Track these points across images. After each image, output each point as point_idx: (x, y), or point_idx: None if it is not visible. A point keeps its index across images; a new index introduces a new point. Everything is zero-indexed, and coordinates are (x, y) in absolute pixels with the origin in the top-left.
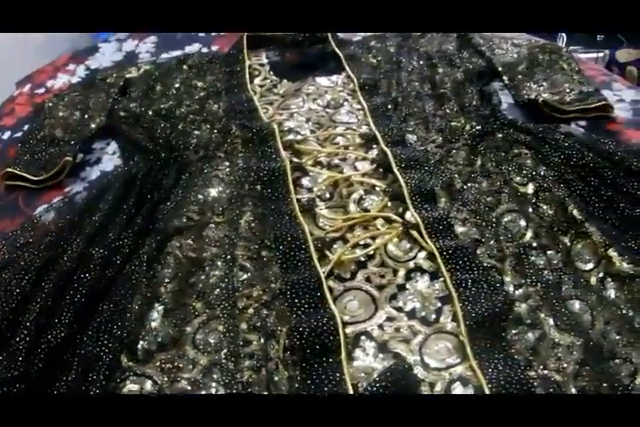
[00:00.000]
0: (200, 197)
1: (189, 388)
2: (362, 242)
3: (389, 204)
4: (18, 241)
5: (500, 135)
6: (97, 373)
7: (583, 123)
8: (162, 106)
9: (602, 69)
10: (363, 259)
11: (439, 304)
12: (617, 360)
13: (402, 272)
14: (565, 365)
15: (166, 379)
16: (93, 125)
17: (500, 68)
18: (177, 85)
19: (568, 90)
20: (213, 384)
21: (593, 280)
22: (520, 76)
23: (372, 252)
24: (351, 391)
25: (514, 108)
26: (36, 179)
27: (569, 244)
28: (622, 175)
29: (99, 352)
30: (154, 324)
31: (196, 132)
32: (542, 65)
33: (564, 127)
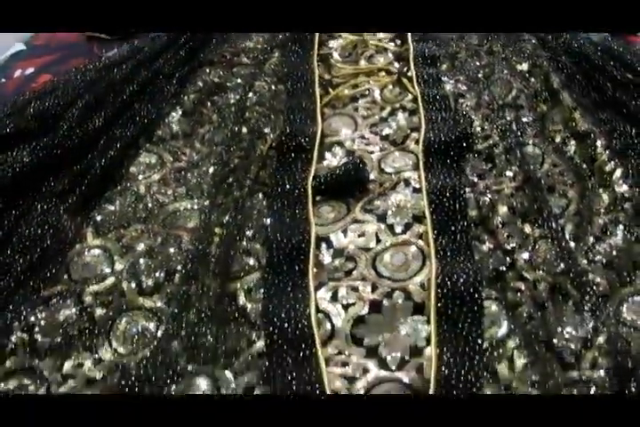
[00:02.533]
0: (239, 42)
1: (186, 166)
2: (361, 86)
3: (395, 63)
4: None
5: None
6: (117, 150)
7: None
8: None
9: None
10: (357, 95)
11: (408, 131)
12: (555, 194)
13: (387, 110)
14: (504, 186)
15: (171, 159)
16: None
17: None
18: None
19: None
20: (211, 170)
21: (557, 139)
22: None
23: (366, 92)
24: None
25: None
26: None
27: (545, 110)
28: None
29: (122, 133)
30: (172, 120)
31: None
32: None
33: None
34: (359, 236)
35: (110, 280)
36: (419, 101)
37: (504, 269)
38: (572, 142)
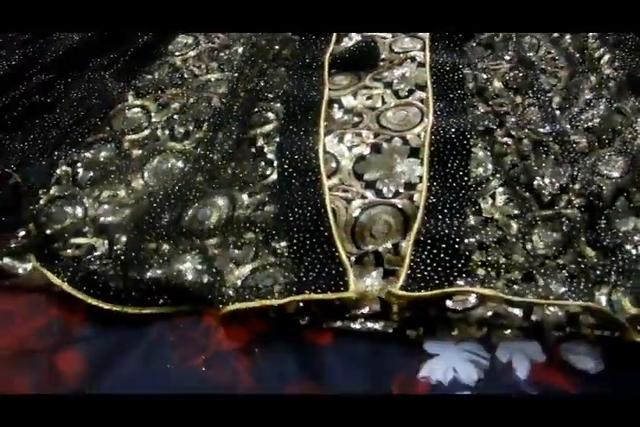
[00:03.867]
0: None
1: (218, 47)
2: None
3: None
4: None
5: None
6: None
7: None
8: None
9: None
10: None
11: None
12: (547, 74)
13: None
14: (501, 66)
15: (206, 40)
16: None
17: None
18: None
19: None
20: (240, 49)
21: (555, 33)
22: None
23: None
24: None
25: None
26: None
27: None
28: None
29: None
30: None
31: None
32: None
33: None
34: (367, 98)
35: (147, 131)
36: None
37: (494, 126)
38: (568, 36)
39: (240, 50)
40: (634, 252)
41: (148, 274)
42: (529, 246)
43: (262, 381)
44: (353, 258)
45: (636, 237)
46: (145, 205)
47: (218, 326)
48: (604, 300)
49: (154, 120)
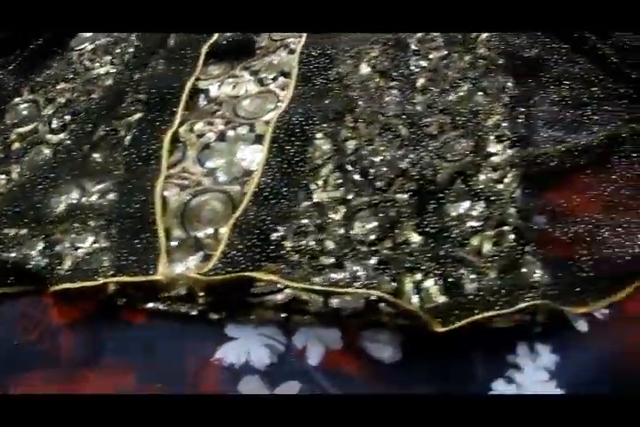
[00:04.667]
0: None
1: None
2: None
3: None
4: None
5: None
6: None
7: None
8: None
9: None
10: None
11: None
12: (419, 56)
13: None
14: (373, 49)
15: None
16: None
17: None
18: None
19: None
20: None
21: None
22: None
23: None
24: None
25: None
26: None
27: None
28: None
29: None
30: None
31: None
32: None
33: None
34: (233, 87)
35: (33, 124)
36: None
37: (345, 112)
38: None
39: (135, 42)
40: (458, 239)
41: (2, 256)
42: (350, 232)
43: (77, 353)
44: (176, 243)
45: (468, 223)
46: (10, 194)
47: (53, 305)
48: (410, 287)
49: (42, 114)
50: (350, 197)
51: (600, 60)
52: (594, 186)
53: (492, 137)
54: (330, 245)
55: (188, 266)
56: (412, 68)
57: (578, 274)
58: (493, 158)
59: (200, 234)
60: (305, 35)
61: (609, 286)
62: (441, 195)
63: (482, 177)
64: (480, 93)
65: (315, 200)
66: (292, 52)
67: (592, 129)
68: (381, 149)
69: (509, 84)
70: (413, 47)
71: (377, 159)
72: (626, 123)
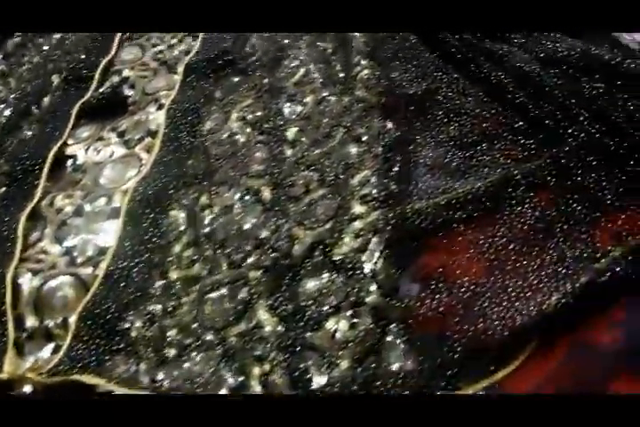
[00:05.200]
0: None
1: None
2: None
3: None
4: None
5: None
6: None
7: None
8: None
9: None
10: None
11: (184, 54)
12: (295, 102)
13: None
14: (246, 98)
15: None
16: None
17: None
18: None
19: None
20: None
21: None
22: None
23: None
24: None
25: None
26: None
27: None
28: None
29: None
30: None
31: None
32: None
33: None
34: (98, 152)
35: None
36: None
37: (205, 175)
38: (338, 54)
39: (12, 100)
40: (311, 322)
41: None
42: (200, 317)
43: None
44: (27, 333)
45: (324, 302)
46: None
47: None
48: (256, 381)
49: None
50: (203, 274)
51: (495, 89)
52: (477, 243)
53: (357, 197)
54: (175, 333)
55: (39, 359)
56: (286, 114)
57: (449, 355)
58: (356, 223)
59: (51, 323)
60: (177, 87)
61: (485, 367)
62: (297, 269)
63: (343, 247)
64: (353, 143)
65: (168, 280)
66: (160, 107)
67: (481, 173)
68: (238, 218)
69: (389, 127)
70: (290, 91)
71: (233, 230)
72: (520, 163)
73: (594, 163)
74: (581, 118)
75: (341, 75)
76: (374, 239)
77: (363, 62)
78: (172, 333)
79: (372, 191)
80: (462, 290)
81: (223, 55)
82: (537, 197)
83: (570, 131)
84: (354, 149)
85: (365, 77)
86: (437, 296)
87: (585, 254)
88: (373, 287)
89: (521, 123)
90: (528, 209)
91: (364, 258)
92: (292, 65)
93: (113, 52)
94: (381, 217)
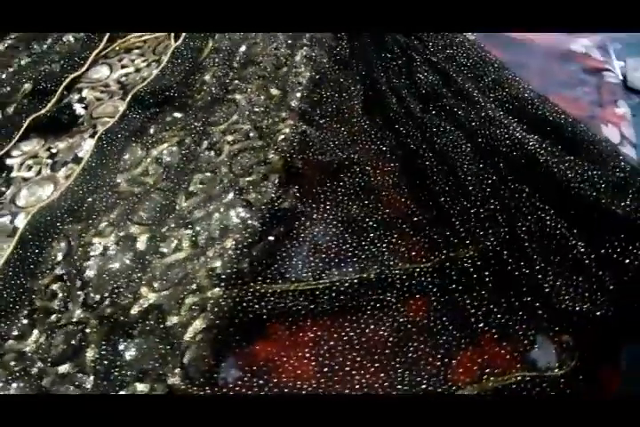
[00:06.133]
0: None
1: None
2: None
3: None
4: None
5: None
6: None
7: None
8: None
9: None
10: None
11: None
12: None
13: (148, 61)
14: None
15: None
16: None
17: None
18: None
19: None
20: None
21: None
22: None
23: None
24: None
25: None
26: None
27: None
28: None
29: None
30: None
31: None
32: None
33: None
34: (29, 169)
35: None
36: (168, 55)
37: (99, 213)
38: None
39: None
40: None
41: None
42: (40, 349)
43: None
44: None
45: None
46: None
47: None
48: None
49: None
50: (58, 309)
51: (417, 174)
52: (318, 342)
53: (206, 268)
54: (11, 359)
55: None
56: (200, 162)
57: None
58: (195, 296)
59: None
60: (117, 116)
61: None
62: (128, 328)
63: (174, 317)
64: (241, 207)
65: (32, 307)
66: (94, 134)
67: (360, 264)
68: (109, 262)
69: (284, 195)
70: (213, 138)
71: (98, 273)
72: (405, 261)
73: (486, 284)
74: (488, 224)
75: (266, 129)
76: (201, 316)
77: (289, 121)
78: (8, 357)
79: (222, 266)
80: (281, 388)
81: (171, 89)
82: (408, 304)
83: (470, 239)
84: (240, 214)
85: (282, 137)
86: (253, 390)
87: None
88: (177, 369)
89: (426, 215)
90: (393, 316)
91: (186, 334)
92: (228, 110)
93: (84, 69)
94: (218, 295)
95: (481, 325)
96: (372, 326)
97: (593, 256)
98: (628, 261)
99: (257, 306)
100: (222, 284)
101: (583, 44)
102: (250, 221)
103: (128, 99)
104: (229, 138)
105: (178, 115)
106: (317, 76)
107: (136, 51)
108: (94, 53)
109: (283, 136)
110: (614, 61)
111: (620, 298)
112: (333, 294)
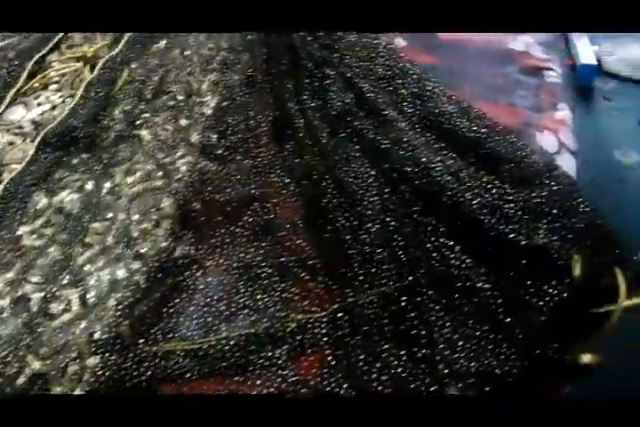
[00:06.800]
0: None
1: None
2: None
3: None
4: None
5: None
6: None
7: None
8: None
9: None
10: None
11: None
12: None
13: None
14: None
15: None
16: None
17: None
18: None
19: None
20: None
21: None
22: None
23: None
24: None
25: None
26: None
27: None
28: None
29: None
30: None
31: None
32: None
33: None
34: None
35: None
36: (81, 89)
37: None
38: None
39: None
40: None
41: None
42: None
43: None
44: None
45: None
46: None
47: None
48: None
49: None
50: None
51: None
52: None
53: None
54: None
55: None
56: (101, 207)
57: None
58: (74, 364)
59: None
60: (25, 162)
61: None
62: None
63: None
64: (133, 259)
65: None
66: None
67: (253, 318)
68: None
69: (174, 244)
70: (115, 181)
71: None
72: (304, 311)
73: (384, 334)
74: (389, 266)
75: (169, 167)
76: (79, 386)
77: (187, 158)
78: None
79: (101, 330)
80: None
81: (80, 128)
82: (298, 361)
83: (369, 283)
84: (129, 267)
85: (178, 177)
86: None
87: None
88: None
89: (324, 258)
90: (281, 375)
91: None
92: (132, 148)
93: (1, 111)
94: (94, 363)
95: (375, 384)
96: (259, 387)
97: (500, 301)
98: (541, 303)
99: (137, 372)
100: (99, 350)
101: (524, 41)
102: (136, 277)
103: (37, 141)
104: (129, 180)
105: (84, 156)
106: (225, 103)
107: (54, 86)
108: (12, 93)
109: (179, 175)
110: (560, 57)
111: (529, 351)
112: (219, 354)
